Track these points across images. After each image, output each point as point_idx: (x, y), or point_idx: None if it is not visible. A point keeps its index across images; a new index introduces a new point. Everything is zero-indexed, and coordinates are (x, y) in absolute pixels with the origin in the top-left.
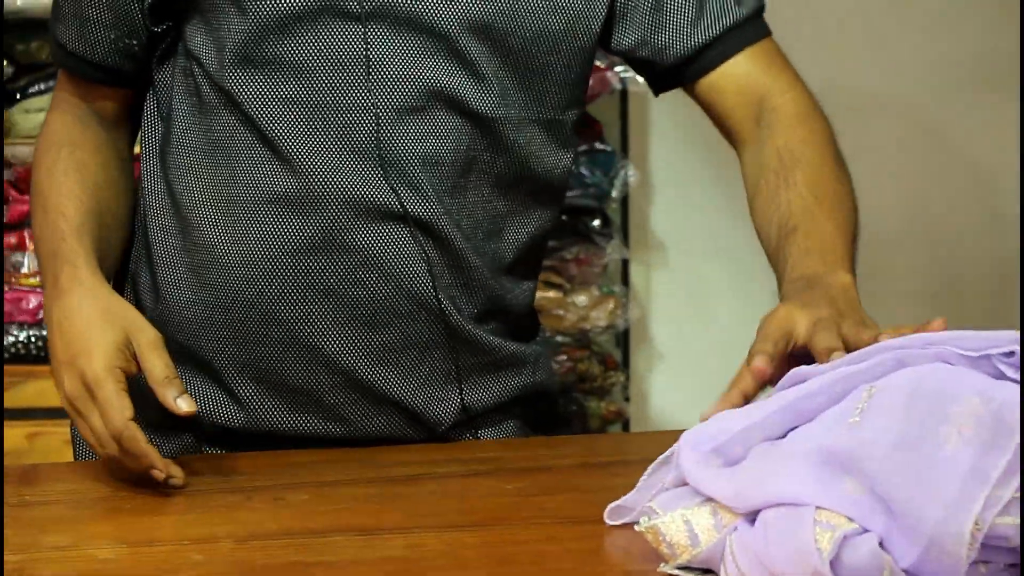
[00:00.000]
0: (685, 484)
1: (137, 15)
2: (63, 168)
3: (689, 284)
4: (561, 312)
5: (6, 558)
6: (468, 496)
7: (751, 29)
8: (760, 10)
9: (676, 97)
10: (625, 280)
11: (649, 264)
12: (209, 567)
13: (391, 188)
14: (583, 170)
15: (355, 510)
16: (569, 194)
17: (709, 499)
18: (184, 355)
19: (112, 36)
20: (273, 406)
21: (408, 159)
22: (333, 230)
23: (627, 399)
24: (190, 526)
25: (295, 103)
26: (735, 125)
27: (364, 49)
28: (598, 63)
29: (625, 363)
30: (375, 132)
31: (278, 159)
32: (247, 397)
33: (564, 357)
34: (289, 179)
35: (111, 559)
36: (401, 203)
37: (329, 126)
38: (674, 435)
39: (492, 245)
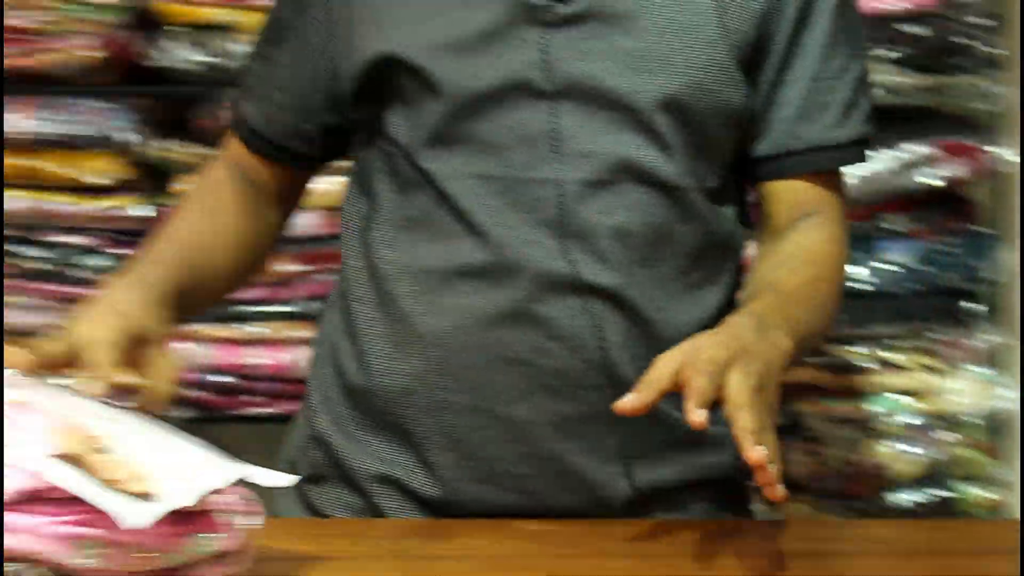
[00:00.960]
0: None
1: (319, 104)
2: (192, 208)
3: None
4: (935, 395)
5: None
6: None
7: (851, 153)
8: (868, 138)
9: None
10: (1000, 364)
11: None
12: None
13: (580, 261)
14: (959, 252)
15: None
16: (944, 275)
17: None
18: (385, 423)
19: (292, 119)
20: (464, 476)
21: (598, 232)
22: (522, 301)
23: (1004, 487)
24: None
25: (486, 179)
26: (774, 223)
27: (553, 125)
28: (977, 145)
29: (1001, 450)
30: (560, 206)
31: (471, 233)
32: (441, 466)
33: (939, 441)
34: (482, 251)
35: None
36: (590, 275)
37: (519, 200)
38: None
39: (684, 316)
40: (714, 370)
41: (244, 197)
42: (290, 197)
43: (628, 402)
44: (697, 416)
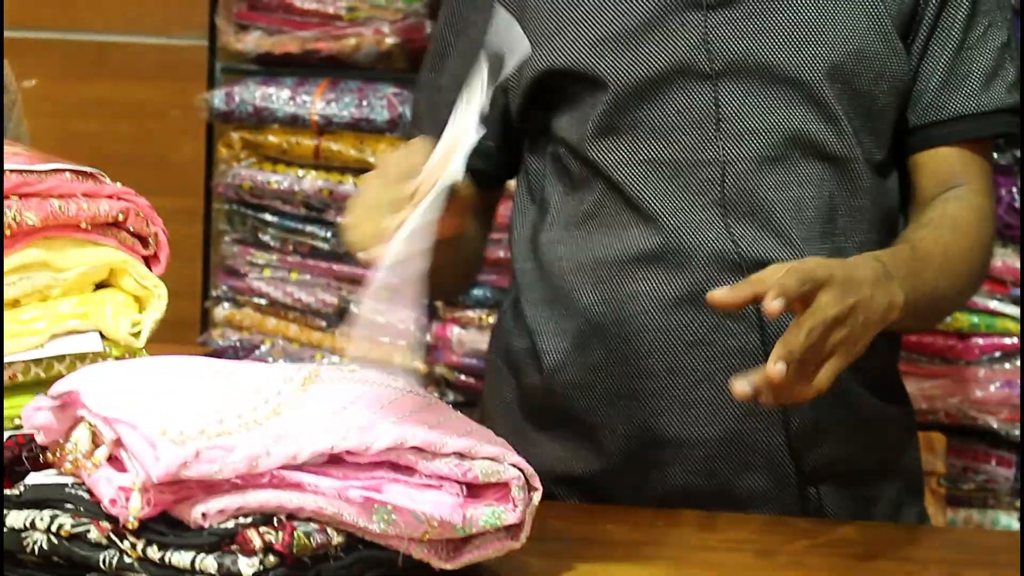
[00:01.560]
0: None
1: (495, 119)
2: None
3: None
4: None
5: None
6: None
7: (996, 122)
8: (1016, 107)
9: None
10: None
11: None
12: None
13: (751, 239)
14: None
15: None
16: None
17: None
18: (564, 420)
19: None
20: (648, 463)
21: (771, 208)
22: (698, 282)
23: None
24: None
25: (653, 164)
26: (919, 198)
27: (715, 106)
28: None
29: None
30: (728, 185)
31: (643, 219)
32: (623, 454)
33: None
34: (654, 237)
35: None
36: (762, 252)
37: (687, 183)
38: None
39: None
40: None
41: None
42: (483, 220)
43: (719, 294)
44: (774, 306)
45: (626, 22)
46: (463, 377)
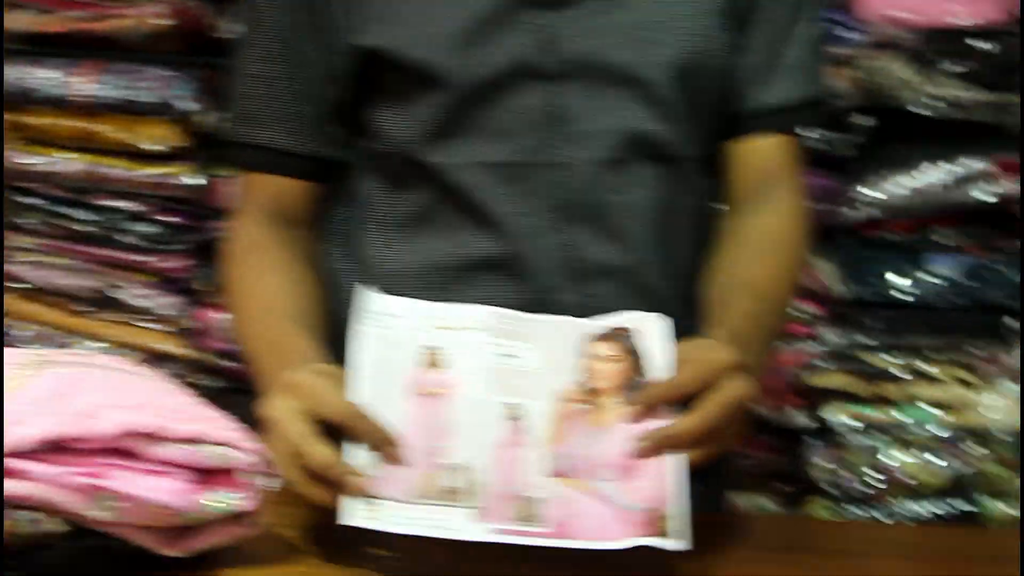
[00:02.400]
0: None
1: (337, 98)
2: (259, 271)
3: None
4: (967, 409)
5: None
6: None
7: (806, 114)
8: (822, 99)
9: None
10: None
11: None
12: None
13: (595, 244)
14: (1000, 267)
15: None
16: (987, 291)
17: None
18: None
19: (317, 125)
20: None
21: (612, 212)
22: (538, 291)
23: None
24: None
25: (492, 167)
26: (735, 193)
27: (559, 107)
28: None
29: None
30: (571, 189)
31: (479, 224)
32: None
33: (966, 454)
34: (491, 242)
35: None
36: (605, 257)
37: (529, 187)
38: None
39: (692, 290)
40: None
41: (294, 247)
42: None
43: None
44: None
45: (463, 18)
46: (226, 363)
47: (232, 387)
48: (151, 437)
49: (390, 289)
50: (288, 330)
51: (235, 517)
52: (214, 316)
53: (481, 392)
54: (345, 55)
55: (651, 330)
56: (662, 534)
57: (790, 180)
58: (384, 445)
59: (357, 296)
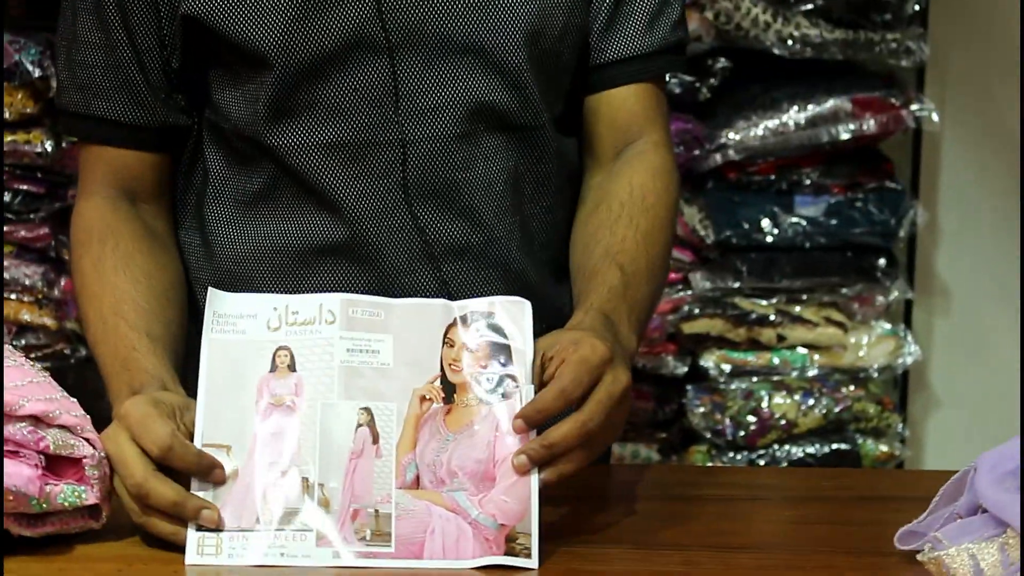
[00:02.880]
0: (977, 512)
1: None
2: (111, 265)
3: (972, 329)
4: (840, 350)
5: None
6: (747, 520)
7: (662, 61)
8: (682, 44)
9: (969, 137)
10: (907, 321)
11: (932, 307)
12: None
13: (441, 224)
14: (871, 207)
15: (634, 525)
16: (855, 231)
17: (999, 533)
18: None
19: (155, 93)
20: None
21: (458, 189)
22: (388, 275)
23: (902, 441)
24: None
25: (331, 147)
26: (598, 149)
27: (393, 82)
28: (894, 101)
29: (902, 405)
30: (410, 168)
31: (323, 208)
32: None
33: (840, 394)
34: (337, 227)
35: None
36: (455, 238)
37: (368, 167)
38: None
39: (549, 255)
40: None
41: (144, 228)
42: (168, 192)
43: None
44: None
45: None
46: None
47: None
48: None
49: (241, 273)
50: (135, 344)
51: (82, 509)
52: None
53: (332, 397)
54: (172, 22)
55: (513, 314)
56: (515, 552)
57: (654, 131)
58: (205, 473)
59: (209, 298)
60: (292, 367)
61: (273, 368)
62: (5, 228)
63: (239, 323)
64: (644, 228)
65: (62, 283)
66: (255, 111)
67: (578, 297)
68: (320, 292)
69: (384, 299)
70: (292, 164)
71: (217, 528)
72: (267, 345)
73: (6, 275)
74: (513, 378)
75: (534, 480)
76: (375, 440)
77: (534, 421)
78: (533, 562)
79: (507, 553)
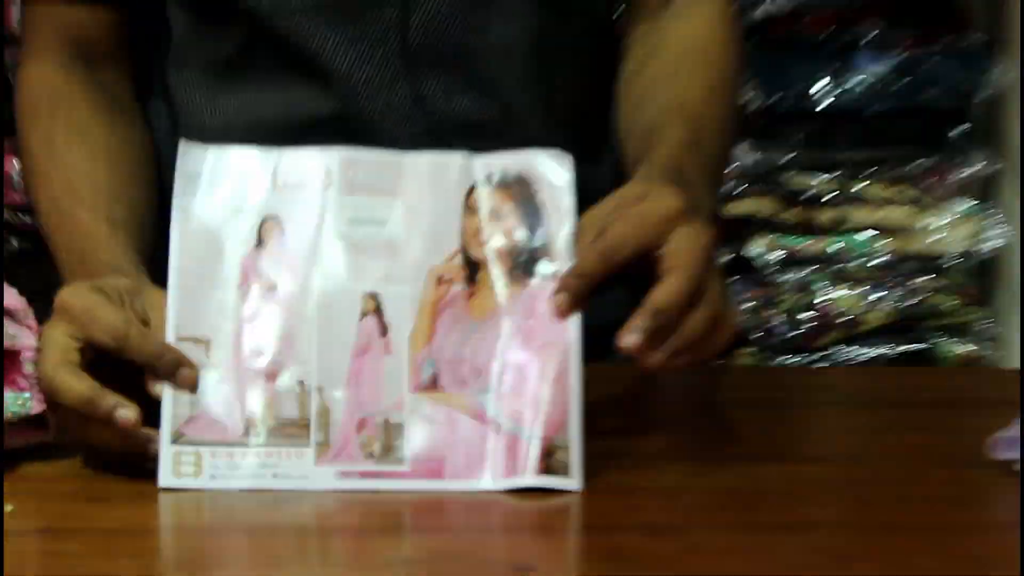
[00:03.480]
0: None
1: None
2: (63, 139)
3: None
4: (910, 233)
5: None
6: (811, 427)
7: None
8: None
9: None
10: (990, 199)
11: (1019, 182)
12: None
13: (448, 96)
14: (941, 67)
15: (682, 436)
16: (927, 93)
17: None
18: None
19: None
20: None
21: (469, 56)
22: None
23: (988, 340)
24: None
25: (320, 8)
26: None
27: None
28: None
29: (986, 298)
30: (412, 31)
31: (309, 76)
32: None
33: (912, 286)
34: (326, 98)
35: None
36: (465, 111)
37: (363, 30)
38: None
39: (576, 133)
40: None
41: (101, 95)
42: (128, 54)
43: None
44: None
45: None
46: (27, 219)
47: (32, 249)
48: None
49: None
50: (91, 228)
51: (29, 420)
52: (12, 164)
53: (331, 280)
54: None
55: (551, 172)
56: (553, 470)
57: None
58: (170, 369)
59: (179, 154)
60: (281, 242)
61: (259, 243)
62: None
63: (217, 186)
64: (709, 81)
65: None
66: None
67: (634, 159)
68: None
69: (392, 154)
70: (271, 26)
71: (193, 389)
72: (251, 214)
73: None
74: (550, 251)
75: (574, 381)
76: (383, 333)
77: (576, 290)
78: (574, 481)
79: (544, 472)
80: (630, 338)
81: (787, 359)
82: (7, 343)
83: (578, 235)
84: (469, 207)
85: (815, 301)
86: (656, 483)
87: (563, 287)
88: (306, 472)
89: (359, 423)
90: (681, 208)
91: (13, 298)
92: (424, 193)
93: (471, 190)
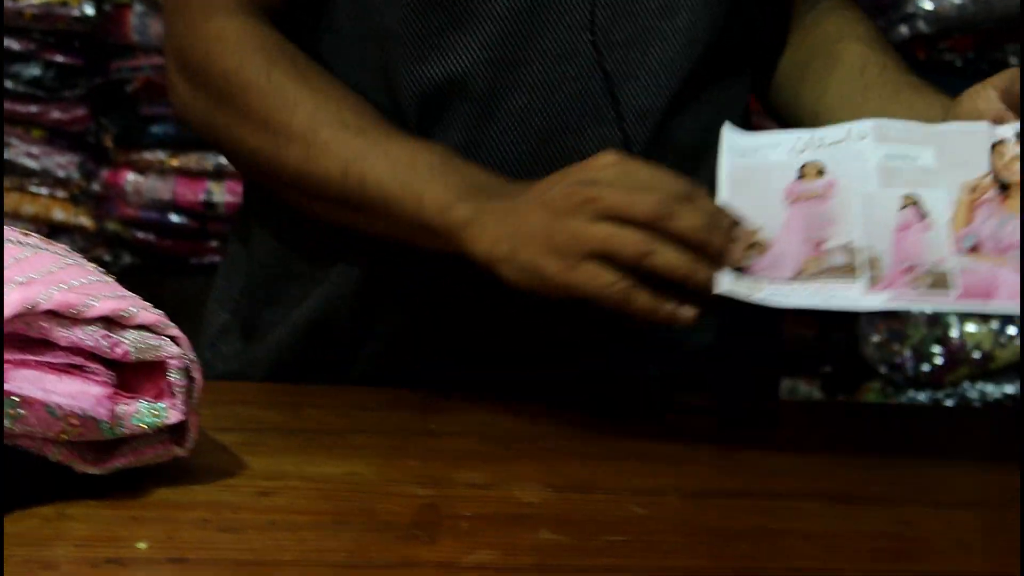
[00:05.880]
0: None
1: None
2: (316, 75)
3: None
4: None
5: (417, 492)
6: (960, 471)
7: None
8: None
9: None
10: None
11: None
12: (655, 523)
13: (630, 78)
14: None
15: (831, 474)
16: None
17: None
18: None
19: None
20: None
21: (652, 40)
22: (561, 125)
23: None
24: (630, 475)
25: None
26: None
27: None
28: None
29: None
30: (600, 6)
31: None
32: None
33: None
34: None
35: (536, 503)
36: (641, 99)
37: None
38: None
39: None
40: None
41: (286, 40)
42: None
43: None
44: None
45: None
46: (141, 234)
47: (148, 264)
48: (60, 316)
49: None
50: (399, 137)
51: (166, 431)
52: (123, 177)
53: (873, 186)
54: None
55: None
56: None
57: None
58: (725, 230)
59: (722, 135)
60: (822, 173)
61: (801, 176)
62: (34, 108)
63: (758, 153)
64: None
65: (103, 175)
66: None
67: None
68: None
69: (916, 124)
70: None
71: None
72: (792, 163)
73: (35, 165)
74: None
75: None
76: (922, 218)
77: None
78: None
79: None
80: None
81: (913, 395)
82: (151, 355)
83: None
84: (997, 151)
85: (945, 335)
86: (795, 523)
87: None
88: (858, 297)
89: (907, 268)
90: None
91: (149, 314)
92: (956, 145)
93: (996, 144)
